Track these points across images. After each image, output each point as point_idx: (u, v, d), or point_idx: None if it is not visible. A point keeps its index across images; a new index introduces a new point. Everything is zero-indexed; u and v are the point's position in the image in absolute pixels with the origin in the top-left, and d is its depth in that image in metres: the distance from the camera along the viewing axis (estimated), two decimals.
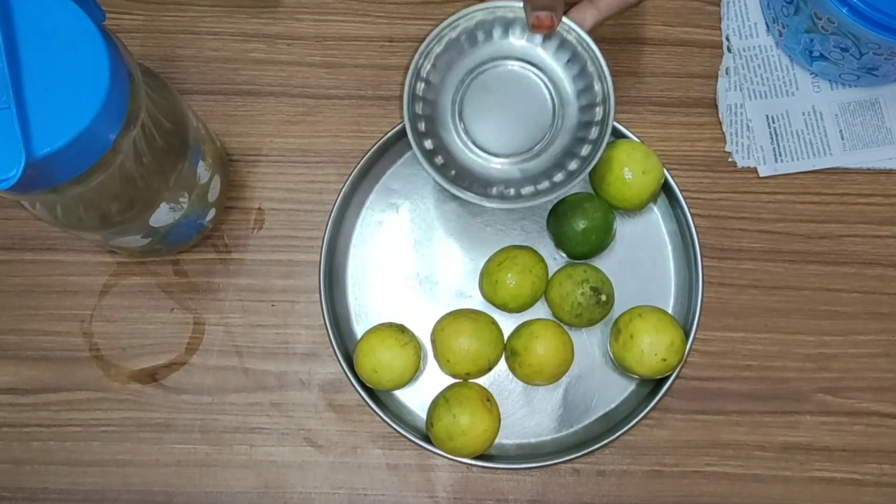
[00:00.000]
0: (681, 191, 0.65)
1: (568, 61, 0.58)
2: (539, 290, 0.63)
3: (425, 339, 0.64)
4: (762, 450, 0.65)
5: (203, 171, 0.59)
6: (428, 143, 0.57)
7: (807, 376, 0.66)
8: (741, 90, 0.69)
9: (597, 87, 0.57)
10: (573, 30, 0.56)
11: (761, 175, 0.68)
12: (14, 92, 0.41)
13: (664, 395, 0.62)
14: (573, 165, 0.58)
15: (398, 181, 0.67)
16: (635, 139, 0.65)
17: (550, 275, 0.64)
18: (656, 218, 0.67)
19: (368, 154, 0.65)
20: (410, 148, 0.57)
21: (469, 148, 0.58)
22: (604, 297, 0.62)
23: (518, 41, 0.58)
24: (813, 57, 0.67)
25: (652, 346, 0.60)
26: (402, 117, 0.57)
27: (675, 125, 0.69)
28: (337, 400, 0.65)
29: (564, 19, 0.56)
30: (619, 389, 0.65)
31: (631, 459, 0.64)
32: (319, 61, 0.70)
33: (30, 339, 0.65)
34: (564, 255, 0.65)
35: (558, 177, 0.58)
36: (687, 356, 0.62)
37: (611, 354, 0.64)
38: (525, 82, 0.58)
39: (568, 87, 0.58)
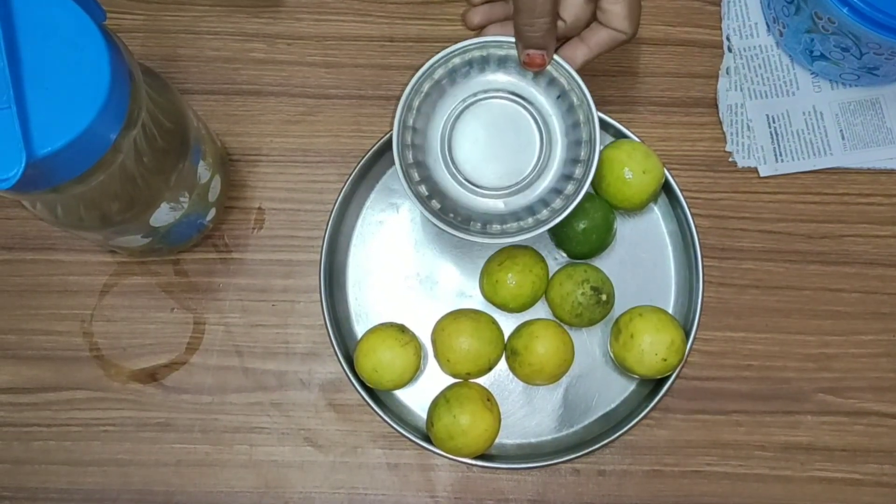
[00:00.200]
0: (681, 191, 0.65)
1: (558, 97, 0.57)
2: (539, 290, 0.63)
3: (425, 339, 0.64)
4: (763, 450, 0.65)
5: (203, 170, 0.59)
6: (415, 174, 0.57)
7: (807, 376, 0.66)
8: (742, 90, 0.69)
9: (583, 128, 0.57)
10: (563, 67, 0.56)
11: (762, 175, 0.68)
12: (15, 91, 0.41)
13: (664, 394, 0.62)
14: (557, 203, 0.57)
15: (398, 181, 0.66)
16: (636, 139, 0.65)
17: (551, 275, 0.64)
18: (657, 218, 0.67)
19: (368, 154, 0.65)
20: None
21: (456, 178, 0.58)
22: (604, 297, 0.62)
23: (509, 77, 0.57)
24: (813, 57, 0.67)
25: (652, 346, 0.60)
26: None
27: (675, 125, 0.69)
28: (337, 400, 0.65)
29: (556, 57, 0.56)
30: (620, 389, 0.65)
31: (631, 459, 0.64)
32: (320, 61, 0.70)
33: (30, 339, 0.65)
34: (565, 254, 0.65)
35: (543, 214, 0.57)
36: (687, 356, 0.62)
37: (611, 354, 0.64)
38: (515, 116, 0.58)
39: (556, 122, 0.58)
